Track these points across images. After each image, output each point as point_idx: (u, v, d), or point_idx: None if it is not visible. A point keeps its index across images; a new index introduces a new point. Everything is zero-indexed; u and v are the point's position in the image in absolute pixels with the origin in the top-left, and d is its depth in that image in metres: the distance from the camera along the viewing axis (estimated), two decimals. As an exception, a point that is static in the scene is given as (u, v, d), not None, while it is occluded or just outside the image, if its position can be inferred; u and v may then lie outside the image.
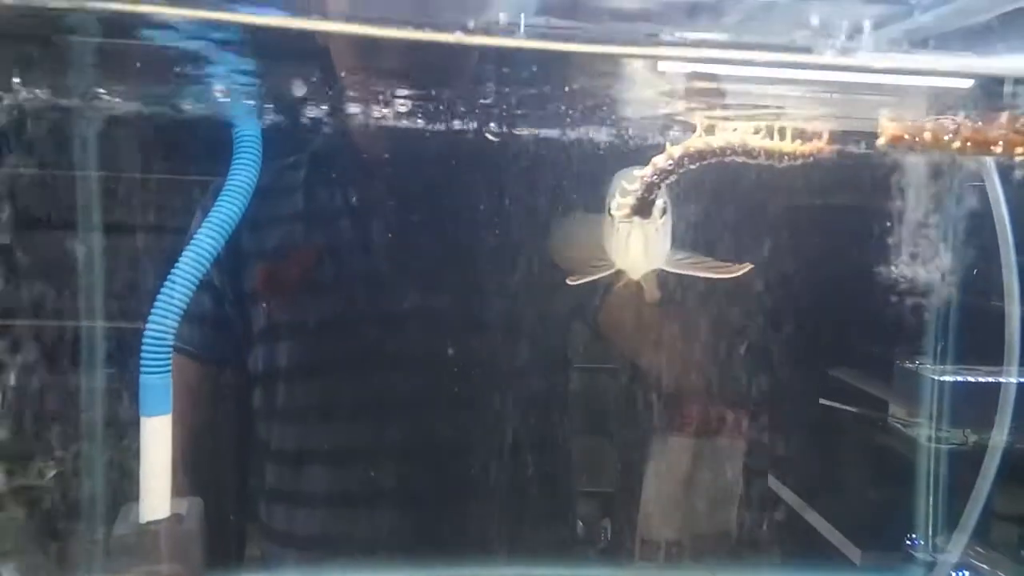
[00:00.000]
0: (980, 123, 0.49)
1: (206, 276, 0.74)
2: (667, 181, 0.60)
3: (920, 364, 1.07)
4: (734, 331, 0.98)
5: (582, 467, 1.10)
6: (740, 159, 0.60)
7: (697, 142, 0.59)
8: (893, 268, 0.83)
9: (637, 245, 0.64)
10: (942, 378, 1.03)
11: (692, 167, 0.60)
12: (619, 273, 0.68)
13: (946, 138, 0.49)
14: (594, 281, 0.69)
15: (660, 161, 0.59)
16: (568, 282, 0.70)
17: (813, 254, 1.11)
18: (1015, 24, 0.46)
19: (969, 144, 0.49)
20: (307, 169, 0.92)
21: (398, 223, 0.90)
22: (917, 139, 0.50)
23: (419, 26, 0.50)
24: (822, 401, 1.19)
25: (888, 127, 0.51)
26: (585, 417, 1.16)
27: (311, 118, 0.77)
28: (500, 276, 0.88)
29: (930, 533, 0.98)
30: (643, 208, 0.61)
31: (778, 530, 1.14)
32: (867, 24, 0.49)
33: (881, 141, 0.53)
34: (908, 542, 0.99)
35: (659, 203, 0.62)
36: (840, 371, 1.23)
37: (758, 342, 1.02)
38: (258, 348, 0.91)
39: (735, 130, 0.59)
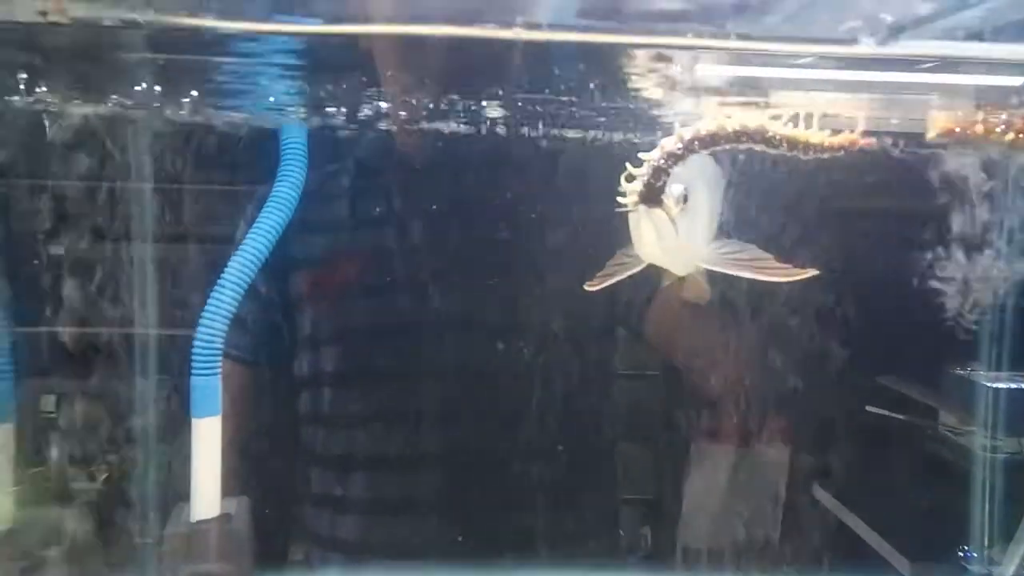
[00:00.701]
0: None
1: (254, 282, 0.75)
2: (676, 166, 0.55)
3: (972, 371, 1.05)
4: (781, 335, 0.96)
5: (624, 475, 1.09)
6: (759, 147, 0.55)
7: (710, 124, 0.55)
8: (944, 271, 0.81)
9: (648, 236, 0.58)
10: (996, 385, 1.01)
11: (704, 152, 0.55)
12: (662, 273, 0.66)
13: (998, 130, 0.48)
14: (635, 283, 0.67)
15: (668, 144, 0.55)
16: (586, 288, 0.66)
17: (861, 257, 1.09)
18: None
19: (1022, 136, 0.48)
20: (353, 176, 0.93)
21: (443, 230, 0.91)
22: (969, 132, 0.49)
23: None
24: (869, 408, 1.17)
25: (939, 119, 0.50)
26: (628, 424, 1.16)
27: (356, 126, 0.78)
28: (546, 283, 0.88)
29: (985, 545, 0.96)
30: (651, 195, 0.55)
31: (824, 540, 1.12)
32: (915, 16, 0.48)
33: (931, 134, 0.52)
34: (961, 554, 0.97)
35: (676, 190, 0.57)
36: (888, 379, 1.21)
37: (806, 346, 1.01)
38: (304, 353, 0.93)
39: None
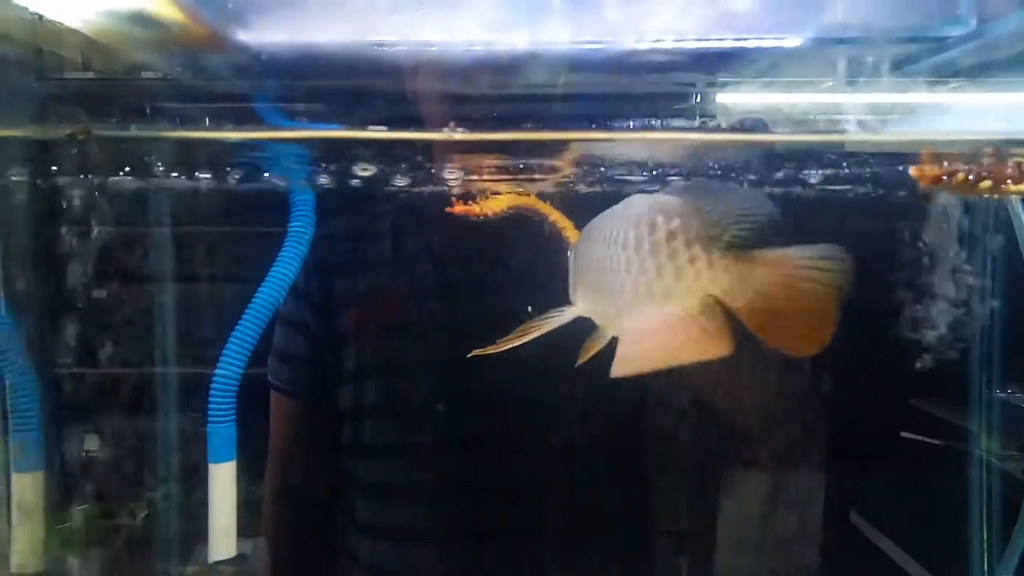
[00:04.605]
0: (995, 162, 0.48)
1: (302, 317, 0.82)
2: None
3: (1014, 394, 1.02)
4: (810, 363, 0.95)
5: (659, 506, 1.08)
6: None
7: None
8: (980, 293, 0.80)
9: None
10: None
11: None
12: None
13: (971, 179, 0.48)
14: None
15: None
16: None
17: (889, 278, 1.07)
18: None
19: (995, 183, 0.48)
20: (395, 217, 0.96)
21: (483, 269, 0.93)
22: (953, 180, 0.49)
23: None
24: (904, 434, 1.14)
25: (927, 170, 0.51)
26: (663, 456, 1.15)
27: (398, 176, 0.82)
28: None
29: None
30: None
31: (861, 568, 1.09)
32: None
33: (922, 184, 0.52)
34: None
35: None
36: (922, 401, 1.18)
37: (837, 372, 0.99)
38: (348, 386, 0.95)
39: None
